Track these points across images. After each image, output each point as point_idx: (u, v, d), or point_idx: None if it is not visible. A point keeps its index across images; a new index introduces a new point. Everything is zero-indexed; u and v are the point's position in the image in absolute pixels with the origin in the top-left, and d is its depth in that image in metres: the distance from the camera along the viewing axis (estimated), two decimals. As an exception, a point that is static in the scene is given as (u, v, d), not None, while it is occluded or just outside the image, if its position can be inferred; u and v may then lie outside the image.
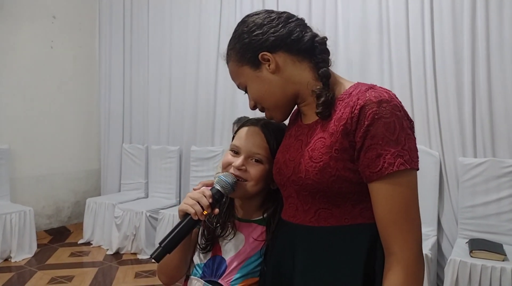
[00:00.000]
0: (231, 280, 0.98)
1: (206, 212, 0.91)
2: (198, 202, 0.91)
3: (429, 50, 2.82)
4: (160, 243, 0.90)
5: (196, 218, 0.91)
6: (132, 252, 3.70)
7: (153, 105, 4.29)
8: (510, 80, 2.59)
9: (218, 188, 0.95)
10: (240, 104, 3.52)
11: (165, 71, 4.20)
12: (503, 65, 2.62)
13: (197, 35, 3.96)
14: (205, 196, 0.92)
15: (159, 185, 4.14)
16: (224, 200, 1.06)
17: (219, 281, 0.99)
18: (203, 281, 1.00)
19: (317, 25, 3.27)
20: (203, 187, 0.95)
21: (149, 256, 3.43)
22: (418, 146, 2.99)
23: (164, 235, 0.93)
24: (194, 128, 4.03)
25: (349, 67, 3.11)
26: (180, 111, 4.11)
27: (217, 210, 0.93)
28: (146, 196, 4.26)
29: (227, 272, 0.99)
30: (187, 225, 0.92)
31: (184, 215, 0.93)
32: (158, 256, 0.89)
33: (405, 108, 0.84)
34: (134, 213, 3.67)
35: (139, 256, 3.62)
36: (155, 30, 4.27)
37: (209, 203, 0.92)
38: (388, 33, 2.98)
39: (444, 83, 2.80)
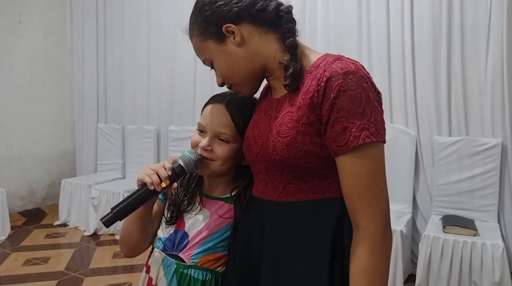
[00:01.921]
0: (192, 255, 0.98)
1: (164, 185, 0.90)
2: (157, 173, 0.90)
3: (407, 29, 2.81)
4: (112, 209, 0.89)
5: (152, 188, 0.90)
6: (110, 233, 3.66)
7: (129, 83, 4.18)
8: (483, 61, 2.62)
9: (181, 163, 0.93)
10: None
11: (141, 48, 4.06)
12: (477, 45, 2.64)
13: (174, 11, 3.83)
14: (164, 168, 0.91)
15: (136, 166, 4.07)
16: (194, 175, 1.04)
17: (180, 254, 0.99)
18: (164, 254, 1.01)
19: (297, 1, 3.17)
20: (165, 161, 0.94)
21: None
22: (395, 125, 3.02)
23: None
24: (172, 107, 3.95)
25: (327, 43, 3.07)
26: (157, 90, 4.01)
27: (175, 184, 0.92)
28: (123, 177, 4.20)
29: (188, 246, 0.99)
30: (142, 195, 0.91)
31: (142, 185, 0.91)
32: (107, 221, 0.87)
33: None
34: (111, 194, 3.62)
35: (117, 237, 3.59)
36: (130, 4, 4.11)
37: (168, 175, 0.90)
38: (367, 10, 2.95)
39: (421, 62, 2.81)
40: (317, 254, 0.83)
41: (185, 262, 0.98)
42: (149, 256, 1.06)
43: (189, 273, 0.97)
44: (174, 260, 0.99)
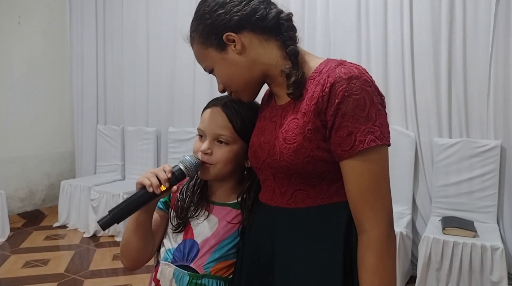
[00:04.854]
0: (204, 264, 0.97)
1: (163, 188, 0.89)
2: (156, 176, 0.89)
3: (407, 31, 2.82)
4: (110, 211, 0.87)
5: (151, 190, 0.88)
6: (109, 234, 3.65)
7: (129, 85, 4.17)
8: (484, 63, 2.63)
9: (181, 166, 0.93)
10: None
11: (141, 49, 4.06)
12: (478, 47, 2.65)
13: (174, 12, 3.83)
14: (164, 171, 0.90)
15: (136, 167, 4.07)
16: (198, 181, 1.04)
17: (191, 265, 0.97)
18: (174, 266, 0.98)
19: (296, 6, 3.20)
20: (166, 164, 0.94)
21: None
22: (394, 127, 3.03)
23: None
24: (172, 108, 3.94)
25: (327, 47, 3.08)
26: (157, 91, 4.01)
27: (175, 188, 0.92)
28: (123, 178, 4.19)
29: (199, 255, 0.97)
30: (141, 197, 0.89)
31: (141, 188, 0.90)
32: (104, 224, 0.86)
33: (382, 89, 0.84)
34: (111, 195, 3.61)
35: (117, 239, 3.58)
36: (129, 6, 4.11)
37: (168, 178, 0.89)
38: (366, 13, 2.96)
39: (421, 65, 2.81)
40: (330, 258, 0.84)
41: (197, 272, 0.96)
42: (156, 271, 1.02)
43: (204, 283, 0.96)
44: (186, 271, 0.97)
